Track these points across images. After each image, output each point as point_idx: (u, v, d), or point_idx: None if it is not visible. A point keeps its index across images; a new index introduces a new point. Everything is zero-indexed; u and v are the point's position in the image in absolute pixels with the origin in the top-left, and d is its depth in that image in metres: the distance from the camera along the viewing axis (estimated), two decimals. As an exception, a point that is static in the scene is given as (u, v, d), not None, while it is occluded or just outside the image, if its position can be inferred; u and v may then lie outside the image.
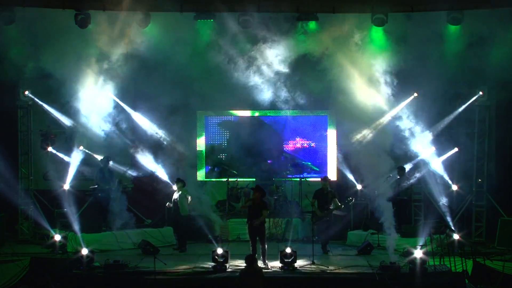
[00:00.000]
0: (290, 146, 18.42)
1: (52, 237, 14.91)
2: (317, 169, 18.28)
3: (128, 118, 17.35)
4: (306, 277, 12.92)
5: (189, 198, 15.31)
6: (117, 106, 17.13)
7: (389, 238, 13.92)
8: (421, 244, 13.44)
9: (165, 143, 17.32)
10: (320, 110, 18.15)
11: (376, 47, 15.82)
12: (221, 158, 18.42)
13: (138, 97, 16.93)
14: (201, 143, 18.44)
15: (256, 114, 18.30)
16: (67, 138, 17.29)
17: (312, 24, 15.60)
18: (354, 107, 16.38)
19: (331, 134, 18.30)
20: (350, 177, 17.20)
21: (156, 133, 17.30)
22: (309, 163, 18.35)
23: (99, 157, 16.62)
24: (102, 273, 12.97)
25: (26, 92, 16.45)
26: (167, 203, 15.48)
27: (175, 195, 15.32)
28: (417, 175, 16.27)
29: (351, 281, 12.79)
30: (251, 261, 11.36)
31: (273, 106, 17.06)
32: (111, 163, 16.59)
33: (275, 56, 15.92)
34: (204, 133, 18.41)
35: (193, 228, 15.63)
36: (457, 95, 16.15)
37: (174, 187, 16.77)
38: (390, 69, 15.83)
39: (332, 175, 18.17)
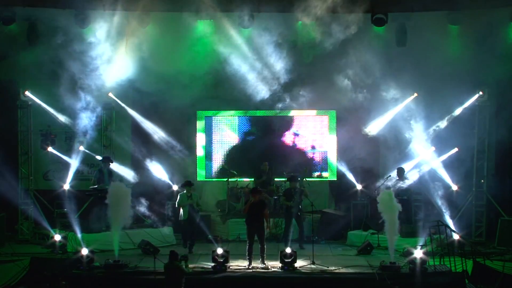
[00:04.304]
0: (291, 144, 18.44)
1: (52, 237, 14.88)
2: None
3: (128, 118, 17.39)
4: (306, 277, 12.91)
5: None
6: (117, 106, 17.18)
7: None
8: (421, 244, 13.45)
9: (165, 142, 17.32)
10: (321, 109, 18.12)
11: (376, 47, 15.84)
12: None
13: (138, 97, 16.93)
14: (201, 143, 18.41)
15: (257, 113, 18.28)
16: (67, 138, 17.32)
17: (312, 24, 15.60)
18: (355, 107, 16.45)
19: (331, 134, 18.27)
20: (350, 177, 17.20)
21: (156, 133, 17.30)
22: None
23: (99, 157, 16.61)
24: (102, 273, 12.96)
25: (26, 92, 16.44)
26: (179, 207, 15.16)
27: (186, 199, 15.08)
28: (417, 175, 16.26)
29: (351, 281, 12.78)
30: (172, 257, 11.92)
31: (273, 105, 17.06)
32: (110, 163, 16.57)
33: (275, 56, 15.94)
34: (204, 133, 18.39)
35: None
36: (457, 95, 16.13)
37: (174, 188, 16.85)
38: (390, 69, 15.87)
39: (332, 175, 18.21)
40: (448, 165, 16.36)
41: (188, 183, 15.26)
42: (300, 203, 15.29)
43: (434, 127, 16.43)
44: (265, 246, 13.59)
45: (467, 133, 16.49)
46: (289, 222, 15.17)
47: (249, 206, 13.69)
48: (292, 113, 18.09)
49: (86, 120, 16.38)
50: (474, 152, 16.48)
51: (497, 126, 16.58)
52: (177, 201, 15.24)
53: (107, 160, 16.09)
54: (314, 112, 18.20)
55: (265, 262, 13.41)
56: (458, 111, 16.35)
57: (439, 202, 15.73)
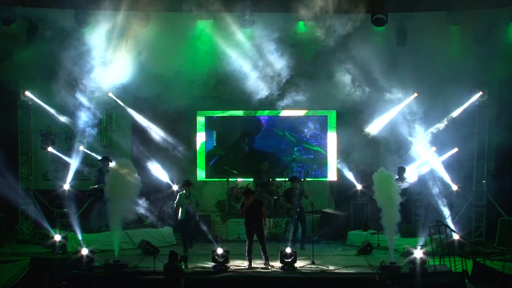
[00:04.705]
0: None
1: (52, 237, 14.88)
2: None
3: (128, 118, 17.38)
4: (306, 277, 12.91)
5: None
6: (117, 106, 17.18)
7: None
8: (421, 244, 13.44)
9: (165, 142, 17.32)
10: (321, 109, 18.11)
11: (376, 47, 15.83)
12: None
13: (138, 97, 16.91)
14: (201, 143, 18.39)
15: (257, 113, 18.28)
16: (67, 138, 17.32)
17: (312, 24, 15.60)
18: (354, 106, 16.45)
19: (331, 134, 18.26)
20: (350, 177, 17.18)
21: (156, 133, 17.30)
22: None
23: (98, 157, 16.61)
24: (102, 273, 12.97)
25: (26, 92, 16.43)
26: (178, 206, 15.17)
27: (185, 199, 15.09)
28: (417, 175, 16.24)
29: (351, 281, 12.79)
30: (171, 257, 11.94)
31: (273, 105, 17.05)
32: (110, 163, 16.55)
33: (275, 56, 15.93)
34: (204, 132, 18.37)
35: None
36: (457, 95, 16.11)
37: (174, 187, 16.85)
38: (390, 69, 15.86)
39: (332, 175, 18.19)
40: (448, 165, 16.34)
41: (187, 183, 15.28)
42: (299, 205, 15.25)
43: (434, 127, 16.41)
44: (266, 246, 13.57)
45: (467, 133, 16.47)
46: (292, 220, 15.14)
47: (245, 208, 13.69)
48: (292, 112, 18.06)
49: (86, 120, 16.38)
50: (474, 152, 16.47)
51: (498, 126, 16.57)
52: (175, 200, 15.25)
53: (106, 160, 16.07)
54: (314, 111, 18.17)
55: (268, 262, 13.37)
56: (458, 111, 16.33)
57: (439, 202, 15.72)
